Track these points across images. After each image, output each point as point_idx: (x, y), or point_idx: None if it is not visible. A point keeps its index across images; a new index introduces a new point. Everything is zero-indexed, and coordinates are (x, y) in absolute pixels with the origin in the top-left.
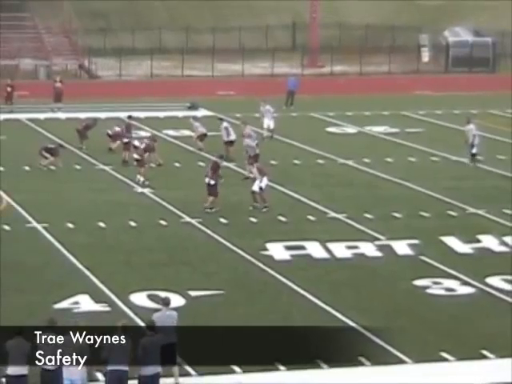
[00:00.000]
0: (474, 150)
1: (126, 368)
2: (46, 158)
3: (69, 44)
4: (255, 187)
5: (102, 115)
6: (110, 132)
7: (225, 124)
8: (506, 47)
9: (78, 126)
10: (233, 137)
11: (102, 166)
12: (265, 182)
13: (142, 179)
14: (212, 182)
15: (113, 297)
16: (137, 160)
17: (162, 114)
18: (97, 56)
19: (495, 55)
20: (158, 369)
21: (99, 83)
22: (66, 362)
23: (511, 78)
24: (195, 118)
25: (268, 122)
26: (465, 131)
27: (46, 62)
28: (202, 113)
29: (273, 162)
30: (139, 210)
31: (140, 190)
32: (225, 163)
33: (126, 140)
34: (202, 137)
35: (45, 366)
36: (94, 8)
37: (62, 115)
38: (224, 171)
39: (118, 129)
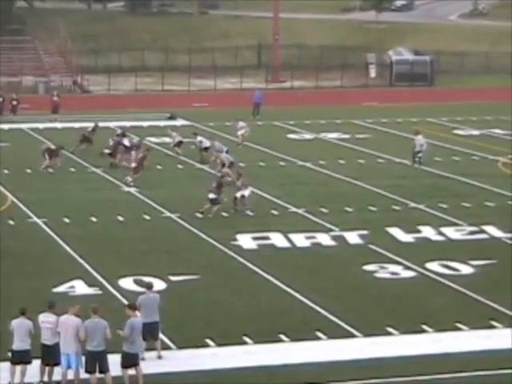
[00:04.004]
0: (420, 155)
1: (103, 348)
2: (45, 159)
3: (64, 63)
4: (238, 194)
5: (94, 125)
6: (107, 151)
7: (199, 138)
8: (441, 64)
9: (85, 132)
10: (207, 144)
11: (93, 169)
12: (248, 191)
13: (130, 179)
14: (214, 197)
15: (103, 281)
16: (135, 168)
17: (145, 124)
18: (88, 73)
19: (432, 71)
20: (140, 347)
21: (91, 97)
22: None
23: (446, 90)
24: (172, 129)
25: (241, 132)
26: (414, 140)
27: (44, 79)
28: (180, 122)
29: (241, 165)
30: (126, 206)
31: (127, 189)
32: (199, 165)
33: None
34: (179, 144)
35: (44, 342)
36: (86, 32)
37: (58, 125)
38: (200, 172)
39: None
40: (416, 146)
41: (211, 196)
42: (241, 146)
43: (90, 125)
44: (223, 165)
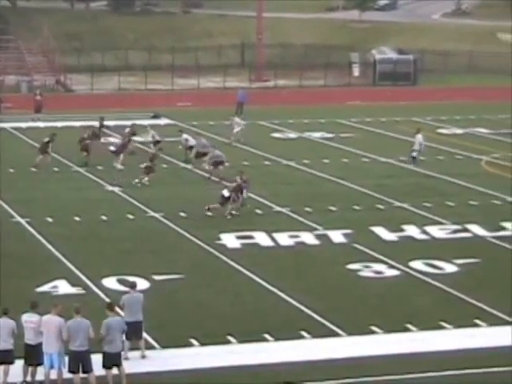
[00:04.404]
0: (414, 154)
1: (86, 347)
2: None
3: (47, 62)
4: (225, 192)
5: (77, 124)
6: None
7: (184, 136)
8: (425, 63)
9: (94, 128)
10: (192, 143)
11: (77, 168)
12: (246, 193)
13: (146, 179)
14: (227, 195)
15: (87, 281)
16: (147, 167)
17: (128, 123)
18: (72, 72)
19: (416, 70)
20: (121, 347)
21: (74, 96)
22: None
23: (430, 90)
24: (152, 127)
25: (237, 130)
26: (415, 138)
27: (27, 78)
28: (163, 121)
29: (226, 164)
30: (110, 205)
31: (110, 188)
32: (183, 165)
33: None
34: (157, 143)
35: (27, 342)
36: (69, 31)
37: (41, 124)
38: (184, 172)
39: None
40: (415, 144)
41: (226, 193)
42: (231, 143)
43: (75, 124)
44: (217, 163)
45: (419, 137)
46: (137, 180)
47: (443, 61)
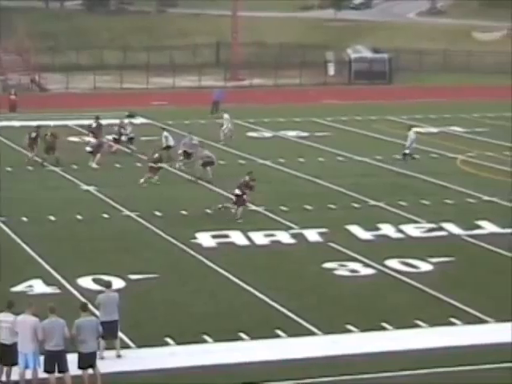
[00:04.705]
0: (407, 151)
1: (62, 347)
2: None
3: (22, 61)
4: (237, 191)
5: (52, 123)
6: (89, 148)
7: (165, 133)
8: (400, 62)
9: (92, 128)
10: (171, 143)
11: (51, 168)
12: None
13: (156, 178)
14: (239, 193)
15: (62, 280)
16: (152, 168)
17: (104, 122)
18: (46, 71)
19: (391, 69)
20: (95, 347)
21: (49, 95)
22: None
23: (405, 88)
24: (129, 124)
25: (228, 127)
26: (408, 135)
27: (2, 77)
28: (139, 120)
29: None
30: (85, 205)
31: (86, 187)
32: (162, 164)
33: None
34: (131, 140)
35: (3, 341)
36: (44, 30)
37: (16, 123)
38: (160, 172)
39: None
40: (408, 141)
41: (237, 192)
42: (222, 142)
43: (50, 123)
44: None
45: (411, 134)
46: (142, 180)
47: (418, 60)
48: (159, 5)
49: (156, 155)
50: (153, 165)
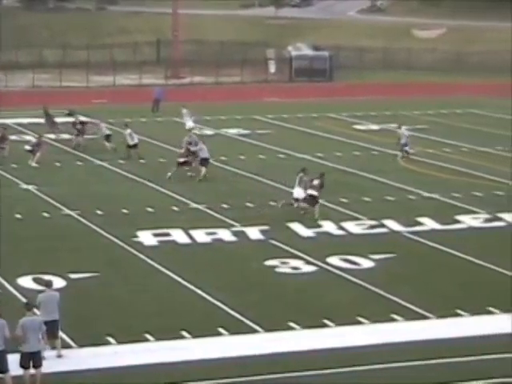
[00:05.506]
0: (407, 148)
1: (2, 347)
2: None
3: None
4: (313, 192)
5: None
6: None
7: (128, 130)
8: (340, 60)
9: (77, 125)
10: (136, 141)
11: None
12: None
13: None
14: (315, 194)
15: (2, 280)
16: (185, 162)
17: (43, 120)
18: None
19: (332, 67)
20: (39, 346)
21: None
22: None
23: (345, 86)
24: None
25: (189, 124)
26: (398, 133)
27: None
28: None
29: (142, 161)
30: (24, 204)
31: (25, 186)
32: (99, 162)
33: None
34: (108, 137)
35: None
36: None
37: None
38: (99, 169)
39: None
40: (402, 138)
41: (312, 192)
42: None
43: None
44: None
45: (402, 131)
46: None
47: (359, 57)
48: (99, 2)
49: (183, 150)
50: (184, 159)
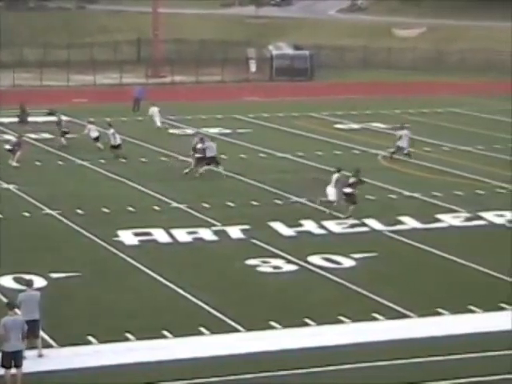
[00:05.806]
0: (406, 151)
1: None
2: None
3: None
4: (348, 189)
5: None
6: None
7: (111, 130)
8: (321, 59)
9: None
10: (119, 141)
11: None
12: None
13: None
14: (350, 191)
15: None
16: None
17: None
18: None
19: (312, 66)
20: (20, 346)
21: None
22: None
23: (326, 85)
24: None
25: (158, 124)
26: (401, 134)
27: None
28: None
29: (123, 161)
30: (5, 203)
31: (5, 185)
32: (80, 161)
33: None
34: (97, 138)
35: None
36: None
37: None
38: (80, 168)
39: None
40: (403, 140)
41: (348, 190)
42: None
43: None
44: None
45: (405, 132)
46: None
47: (339, 56)
48: (79, 1)
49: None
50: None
